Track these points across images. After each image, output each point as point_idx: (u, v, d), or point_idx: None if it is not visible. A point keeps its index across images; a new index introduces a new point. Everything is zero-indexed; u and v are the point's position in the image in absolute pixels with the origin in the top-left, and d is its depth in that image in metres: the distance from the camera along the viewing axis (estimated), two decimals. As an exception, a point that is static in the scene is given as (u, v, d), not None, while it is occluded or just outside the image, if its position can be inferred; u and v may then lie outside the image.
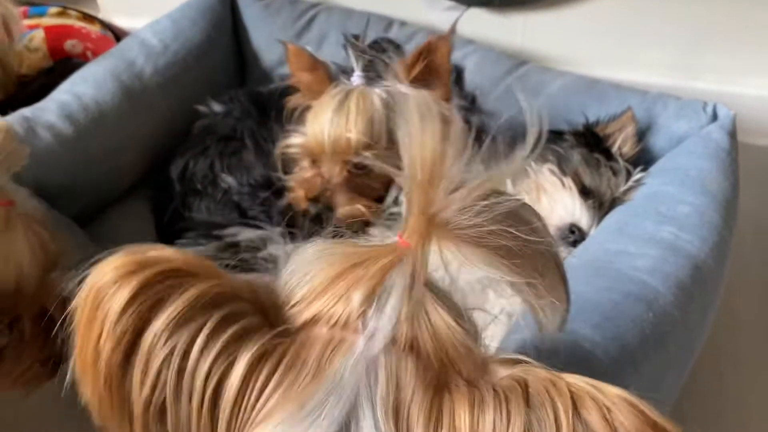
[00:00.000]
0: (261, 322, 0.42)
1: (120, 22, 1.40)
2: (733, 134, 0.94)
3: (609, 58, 1.28)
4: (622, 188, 0.90)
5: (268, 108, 1.03)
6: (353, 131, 0.81)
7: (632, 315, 0.71)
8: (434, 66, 0.85)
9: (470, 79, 1.08)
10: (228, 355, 0.41)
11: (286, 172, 0.92)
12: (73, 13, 1.31)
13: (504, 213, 0.42)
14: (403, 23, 1.17)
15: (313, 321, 0.42)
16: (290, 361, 0.41)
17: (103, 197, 1.02)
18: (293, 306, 0.43)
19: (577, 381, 0.41)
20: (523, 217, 0.43)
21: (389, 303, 0.41)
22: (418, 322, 0.41)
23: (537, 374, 0.41)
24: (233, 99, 1.07)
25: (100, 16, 1.40)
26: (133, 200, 1.08)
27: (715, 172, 0.87)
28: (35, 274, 0.67)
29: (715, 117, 0.97)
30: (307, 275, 0.44)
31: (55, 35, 1.26)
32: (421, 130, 0.41)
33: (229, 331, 0.41)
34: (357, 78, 0.86)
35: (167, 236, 0.99)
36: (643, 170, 0.93)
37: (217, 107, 1.07)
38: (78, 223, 0.99)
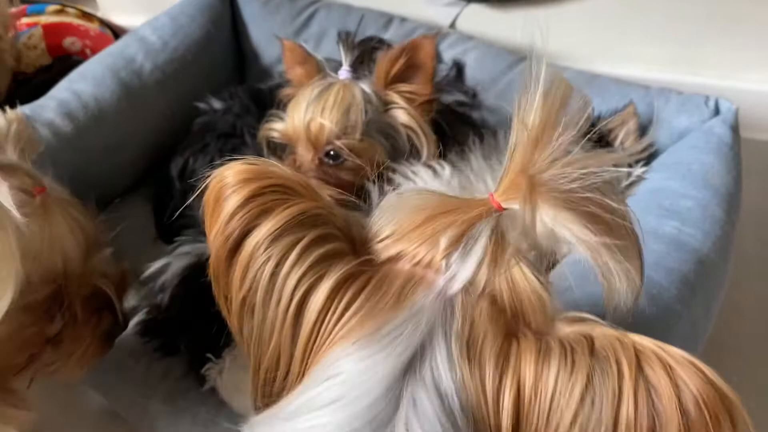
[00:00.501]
0: (349, 249, 0.47)
1: (118, 19, 1.40)
2: (735, 128, 0.93)
3: (609, 53, 1.27)
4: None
5: (268, 104, 1.01)
6: (327, 119, 0.82)
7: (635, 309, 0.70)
8: (417, 63, 0.85)
9: (471, 74, 1.07)
10: (316, 272, 0.45)
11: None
12: (71, 10, 1.31)
13: (597, 184, 0.44)
14: (403, 19, 1.17)
15: (398, 257, 0.46)
16: (373, 288, 0.45)
17: (103, 195, 1.01)
18: (380, 241, 0.47)
19: (643, 340, 0.43)
20: (612, 191, 0.45)
21: (474, 250, 0.44)
22: (499, 271, 0.44)
23: (603, 331, 0.43)
24: (233, 96, 1.06)
25: (99, 14, 1.40)
26: (134, 198, 1.08)
27: (717, 166, 0.87)
28: (79, 256, 0.68)
29: (717, 111, 0.96)
30: (397, 216, 0.47)
31: (53, 32, 1.25)
32: (542, 97, 0.43)
33: (321, 250, 0.45)
34: (344, 72, 0.87)
35: (168, 234, 0.98)
36: (646, 165, 0.92)
37: (216, 104, 1.06)
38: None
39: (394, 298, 0.44)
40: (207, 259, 0.81)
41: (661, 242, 0.76)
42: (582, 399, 0.41)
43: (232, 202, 0.46)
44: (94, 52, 1.24)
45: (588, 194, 0.43)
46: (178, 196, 1.00)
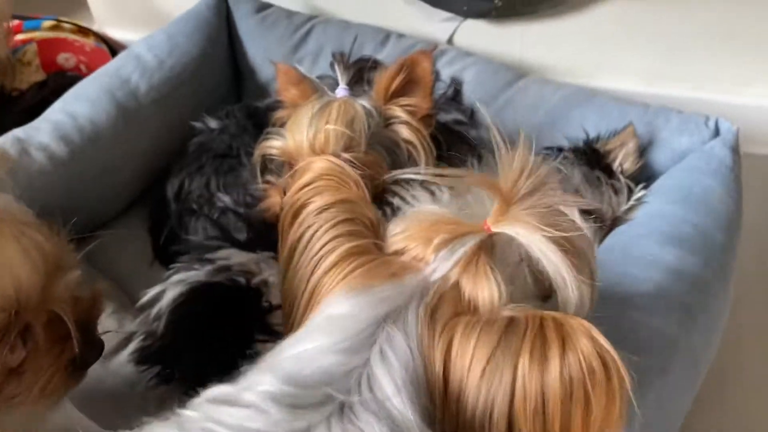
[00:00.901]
0: (369, 234, 0.62)
1: (115, 34, 1.39)
2: (735, 150, 0.93)
3: (608, 67, 1.27)
4: (624, 207, 0.89)
5: (265, 123, 1.01)
6: (331, 132, 0.82)
7: (637, 341, 0.70)
8: (415, 78, 0.86)
9: (469, 92, 1.07)
10: (338, 241, 0.61)
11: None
12: (67, 26, 1.30)
13: (562, 218, 0.58)
14: (400, 36, 1.17)
15: (401, 251, 0.60)
16: (375, 264, 0.59)
17: (99, 217, 1.01)
18: (393, 236, 0.61)
19: (552, 313, 0.54)
20: (575, 224, 0.59)
21: (456, 254, 0.57)
22: (468, 271, 0.56)
23: (525, 310, 0.55)
24: (229, 115, 1.06)
25: (95, 27, 1.39)
26: (129, 220, 1.07)
27: (718, 189, 0.87)
28: (36, 282, 0.66)
29: (717, 132, 0.96)
30: (409, 221, 0.61)
31: (48, 48, 1.25)
32: (509, 155, 0.58)
33: (346, 228, 0.61)
34: (341, 90, 0.87)
35: (165, 256, 0.98)
36: (645, 187, 0.92)
37: (212, 123, 1.05)
38: (75, 241, 0.98)
39: (389, 275, 0.58)
40: (201, 287, 0.82)
41: (662, 271, 0.76)
42: (489, 359, 0.52)
43: (303, 180, 0.65)
44: (90, 67, 1.24)
45: (554, 223, 0.56)
46: (174, 218, 1.00)
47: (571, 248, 0.58)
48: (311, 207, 0.64)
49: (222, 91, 1.21)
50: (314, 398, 0.52)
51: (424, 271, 0.58)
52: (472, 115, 1.04)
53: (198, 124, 1.06)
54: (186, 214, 0.98)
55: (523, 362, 0.52)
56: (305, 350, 0.55)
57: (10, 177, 0.88)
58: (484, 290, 0.57)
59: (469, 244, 0.57)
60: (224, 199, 0.96)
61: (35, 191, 0.92)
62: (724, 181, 0.88)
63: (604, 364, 0.51)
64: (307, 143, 0.83)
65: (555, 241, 0.57)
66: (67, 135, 0.96)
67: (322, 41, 1.17)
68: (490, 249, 0.58)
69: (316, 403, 0.52)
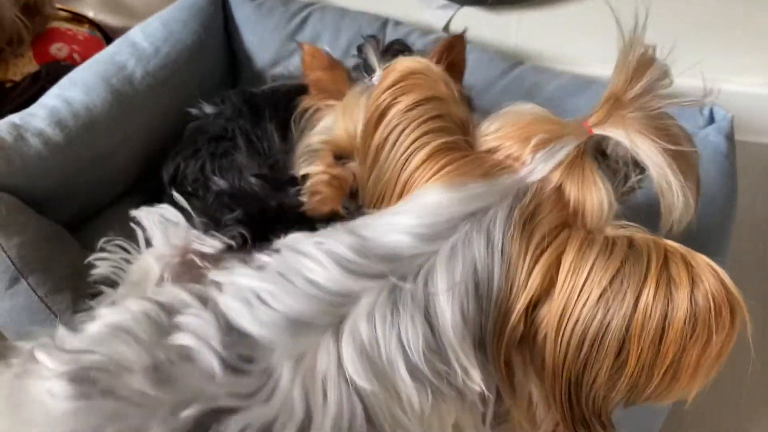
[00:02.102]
0: (458, 132, 0.62)
1: (111, 20, 1.38)
2: (730, 137, 0.93)
3: (603, 56, 1.27)
4: (620, 191, 0.90)
5: (262, 107, 1.01)
6: None
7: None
8: (453, 63, 0.86)
9: (465, 80, 1.07)
10: (427, 138, 0.61)
11: (277, 180, 0.91)
12: (62, 13, 1.29)
13: (669, 121, 0.59)
14: (397, 23, 1.17)
15: (494, 149, 0.60)
16: (466, 162, 0.59)
17: (95, 203, 1.00)
18: (485, 136, 0.61)
19: (674, 244, 0.54)
20: (683, 129, 0.60)
21: (557, 155, 0.56)
22: (573, 175, 0.56)
23: (643, 234, 0.55)
24: (224, 100, 1.05)
25: (91, 14, 1.38)
26: (126, 205, 1.05)
27: (713, 176, 0.87)
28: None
29: (712, 119, 0.96)
30: (504, 119, 0.61)
31: (40, 39, 1.24)
32: (636, 58, 0.59)
33: (434, 125, 0.61)
34: (379, 77, 0.84)
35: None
36: (641, 173, 0.92)
37: (208, 109, 1.05)
38: (69, 230, 0.98)
39: (481, 173, 0.58)
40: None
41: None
42: (612, 282, 0.52)
43: (388, 81, 0.64)
44: (83, 56, 1.23)
45: (662, 126, 0.57)
46: (169, 202, 0.99)
47: (678, 154, 0.57)
48: (399, 106, 0.62)
49: (217, 78, 1.20)
50: (371, 271, 0.54)
51: (520, 172, 0.58)
52: (469, 102, 1.04)
53: (194, 110, 1.05)
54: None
55: (648, 292, 0.52)
56: (384, 224, 0.58)
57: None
58: (593, 197, 0.56)
59: (571, 145, 0.57)
60: (219, 183, 0.95)
61: (32, 176, 0.92)
62: (719, 168, 0.89)
63: (731, 307, 0.52)
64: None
65: (663, 145, 0.56)
66: (63, 121, 0.96)
67: (319, 29, 1.17)
68: (593, 152, 0.58)
69: (371, 275, 0.54)
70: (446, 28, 1.27)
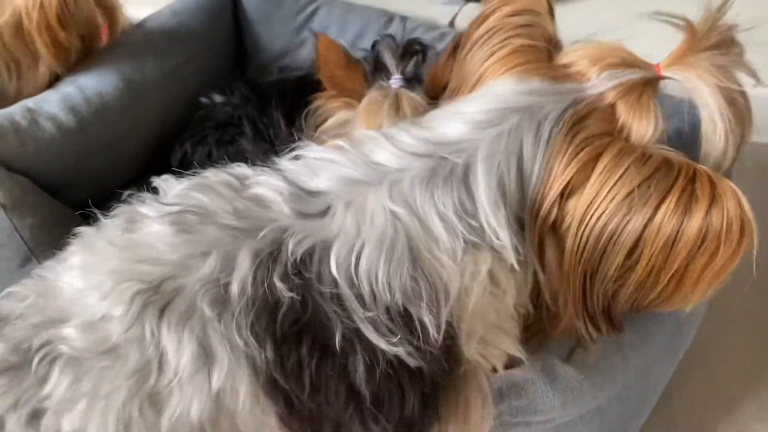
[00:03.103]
0: (544, 42, 0.71)
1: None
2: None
3: None
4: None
5: (269, 95, 1.03)
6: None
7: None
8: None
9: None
10: (507, 40, 0.70)
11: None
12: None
13: (733, 77, 0.65)
14: (403, 18, 1.18)
15: (567, 65, 0.68)
16: (541, 66, 0.68)
17: (105, 188, 1.01)
18: (565, 52, 0.69)
19: (705, 168, 0.61)
20: (742, 88, 0.67)
21: (618, 78, 0.64)
22: (630, 101, 0.63)
23: (677, 154, 0.62)
24: (233, 89, 1.08)
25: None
26: (134, 190, 1.09)
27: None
28: None
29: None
30: (586, 42, 0.70)
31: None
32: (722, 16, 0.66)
33: (527, 30, 0.70)
34: (396, 81, 0.86)
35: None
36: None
37: (217, 98, 1.08)
38: (82, 211, 1.01)
39: (550, 77, 0.66)
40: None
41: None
42: (639, 186, 0.59)
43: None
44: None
45: (726, 77, 0.64)
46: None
47: (735, 107, 0.64)
48: (501, 11, 0.72)
49: (226, 69, 1.23)
50: (424, 151, 0.64)
51: (582, 84, 0.65)
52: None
53: (204, 99, 1.08)
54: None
55: (669, 203, 0.59)
56: (447, 113, 0.67)
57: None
58: (642, 121, 0.63)
59: (636, 75, 0.64)
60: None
61: (46, 160, 0.95)
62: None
63: (742, 227, 0.59)
64: None
65: (724, 93, 0.63)
66: (76, 106, 0.98)
67: (326, 23, 1.20)
68: (655, 87, 0.65)
69: (423, 155, 0.64)
70: (452, 23, 1.29)
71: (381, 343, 0.57)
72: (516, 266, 0.63)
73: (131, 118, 1.04)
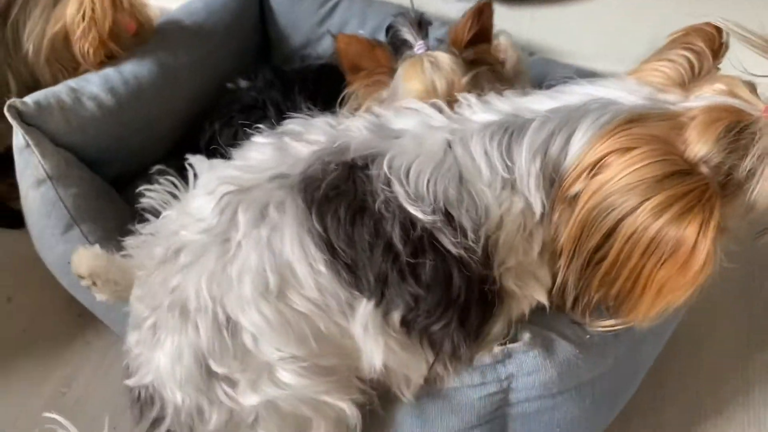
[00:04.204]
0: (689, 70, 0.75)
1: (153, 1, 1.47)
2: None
3: (613, 53, 1.32)
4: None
5: (292, 81, 1.09)
6: (451, 76, 0.90)
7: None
8: (483, 27, 0.94)
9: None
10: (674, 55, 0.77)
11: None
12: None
13: None
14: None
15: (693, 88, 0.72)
16: (673, 81, 0.74)
17: (139, 164, 1.08)
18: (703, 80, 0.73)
19: (718, 202, 0.64)
20: None
21: (714, 99, 0.68)
22: (706, 116, 0.65)
23: (712, 177, 0.65)
24: (258, 74, 1.14)
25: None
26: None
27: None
28: None
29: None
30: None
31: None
32: None
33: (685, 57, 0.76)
34: (420, 47, 0.92)
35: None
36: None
37: (243, 83, 1.14)
38: (115, 188, 1.08)
39: (662, 86, 0.73)
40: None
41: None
42: (648, 179, 0.64)
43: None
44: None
45: None
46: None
47: None
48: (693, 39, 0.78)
49: (252, 57, 1.29)
50: (504, 111, 0.74)
51: (680, 97, 0.70)
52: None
53: (230, 85, 1.14)
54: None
55: (656, 201, 0.62)
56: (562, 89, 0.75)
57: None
58: (700, 140, 0.65)
59: (728, 101, 0.67)
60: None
61: (87, 136, 1.02)
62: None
63: (704, 264, 0.62)
64: (431, 93, 0.89)
65: None
66: (115, 87, 1.05)
67: (347, 16, 1.26)
68: (742, 119, 0.66)
69: (501, 112, 0.74)
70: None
71: (418, 213, 0.69)
72: (539, 219, 0.71)
73: (164, 100, 1.11)
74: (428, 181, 0.70)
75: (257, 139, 0.79)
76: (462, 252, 0.69)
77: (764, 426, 1.00)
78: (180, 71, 1.13)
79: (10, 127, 0.97)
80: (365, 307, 0.70)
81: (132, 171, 1.10)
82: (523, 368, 0.78)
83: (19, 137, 0.96)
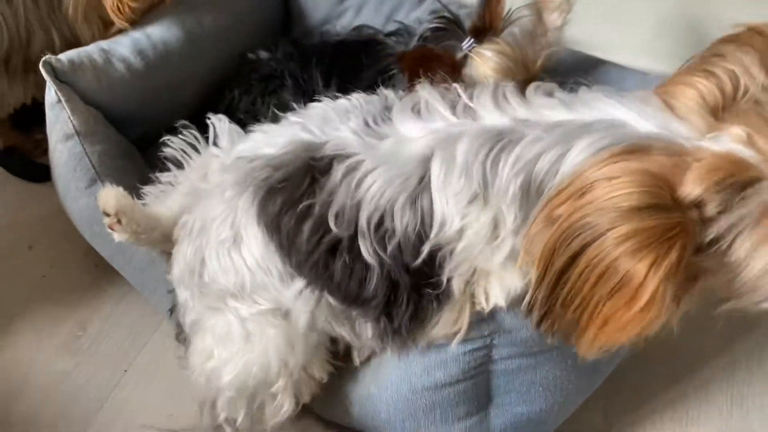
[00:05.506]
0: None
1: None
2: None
3: (617, 44, 1.34)
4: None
5: (310, 54, 1.13)
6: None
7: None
8: (496, 14, 0.99)
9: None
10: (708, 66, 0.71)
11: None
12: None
13: None
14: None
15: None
16: (698, 105, 0.68)
17: (162, 126, 1.09)
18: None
19: (686, 247, 0.61)
20: None
21: (726, 145, 0.63)
22: (710, 160, 0.63)
23: (689, 218, 0.62)
24: (278, 46, 1.18)
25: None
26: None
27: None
28: None
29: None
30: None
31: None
32: None
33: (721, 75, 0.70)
34: (469, 43, 0.99)
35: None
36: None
37: (263, 54, 1.18)
38: (137, 147, 1.13)
39: (680, 114, 0.67)
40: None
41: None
42: (606, 210, 0.62)
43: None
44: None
45: None
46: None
47: None
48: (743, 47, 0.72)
49: (274, 30, 1.34)
50: (513, 117, 0.73)
51: (695, 134, 0.65)
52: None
53: (251, 55, 1.18)
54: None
55: (620, 231, 0.60)
56: (586, 97, 0.73)
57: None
58: (693, 181, 0.62)
59: (736, 148, 0.62)
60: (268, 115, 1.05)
61: (116, 96, 1.07)
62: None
63: (654, 306, 0.59)
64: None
65: None
66: (144, 51, 1.09)
67: (365, -2, 1.29)
68: (752, 174, 0.62)
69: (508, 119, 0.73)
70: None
71: (334, 226, 0.75)
72: (512, 229, 0.71)
73: (190, 66, 1.16)
74: (379, 191, 0.73)
75: (291, 117, 0.86)
76: (381, 259, 0.74)
77: (746, 404, 1.04)
78: (205, 39, 1.17)
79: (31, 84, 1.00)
80: (301, 281, 0.80)
81: (153, 133, 1.13)
82: (504, 325, 0.83)
83: (51, 93, 1.00)
